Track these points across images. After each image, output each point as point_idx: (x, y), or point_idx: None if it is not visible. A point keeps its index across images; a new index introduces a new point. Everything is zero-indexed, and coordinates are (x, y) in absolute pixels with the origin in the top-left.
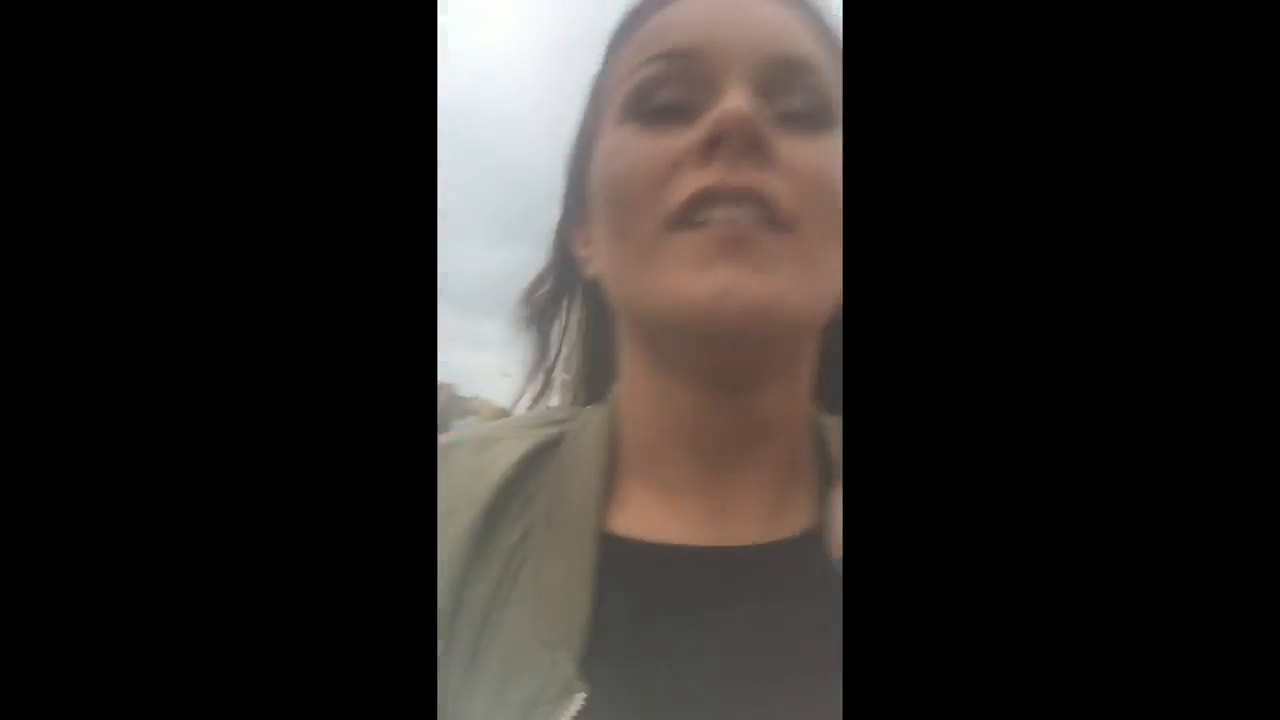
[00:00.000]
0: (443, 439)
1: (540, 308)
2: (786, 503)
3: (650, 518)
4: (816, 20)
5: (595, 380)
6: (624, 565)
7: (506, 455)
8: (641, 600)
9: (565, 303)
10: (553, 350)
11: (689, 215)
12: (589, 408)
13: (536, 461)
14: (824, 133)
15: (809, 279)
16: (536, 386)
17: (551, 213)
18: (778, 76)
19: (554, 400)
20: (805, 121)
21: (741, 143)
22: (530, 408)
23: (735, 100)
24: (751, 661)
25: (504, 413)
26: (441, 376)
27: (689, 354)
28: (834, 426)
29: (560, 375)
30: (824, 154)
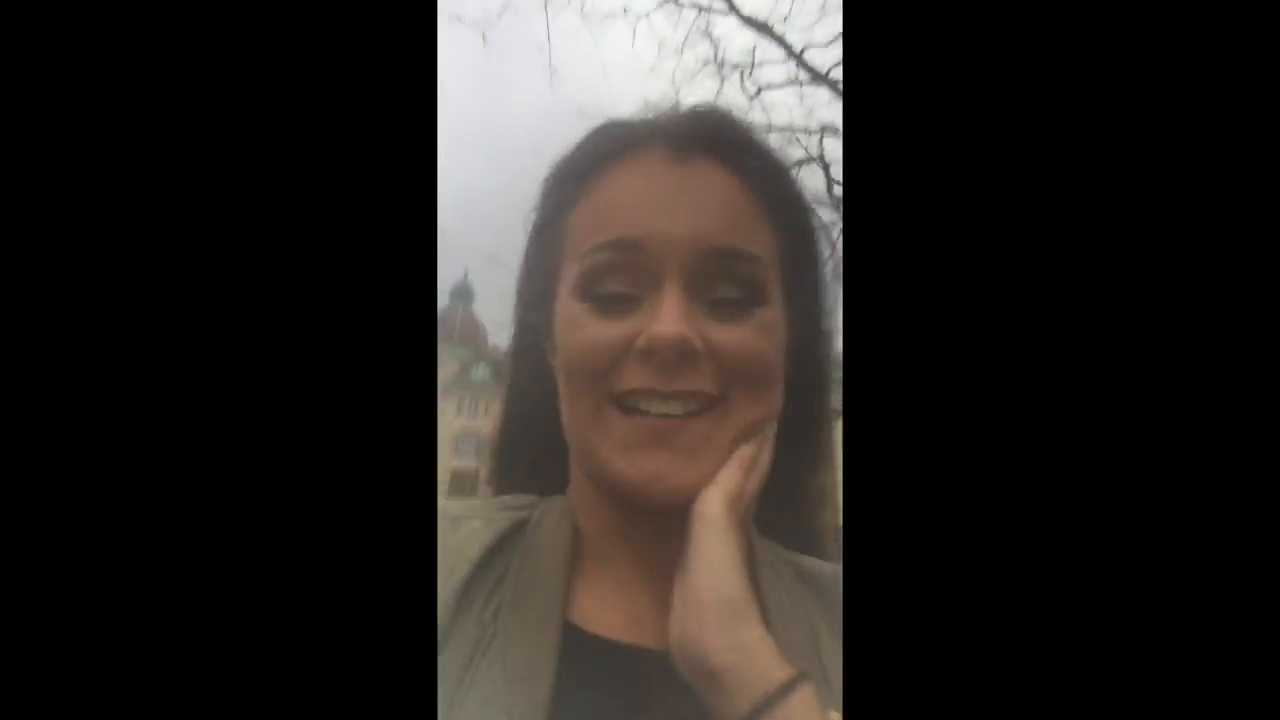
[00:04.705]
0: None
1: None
2: None
3: (605, 603)
4: (766, 182)
5: (549, 466)
6: (579, 654)
7: (479, 535)
8: (593, 688)
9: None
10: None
11: (628, 400)
12: (548, 499)
13: (506, 543)
14: (754, 312)
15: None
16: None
17: None
18: (710, 268)
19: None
20: (735, 306)
21: (672, 355)
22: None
23: (668, 321)
24: None
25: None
26: None
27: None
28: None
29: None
30: (752, 334)
